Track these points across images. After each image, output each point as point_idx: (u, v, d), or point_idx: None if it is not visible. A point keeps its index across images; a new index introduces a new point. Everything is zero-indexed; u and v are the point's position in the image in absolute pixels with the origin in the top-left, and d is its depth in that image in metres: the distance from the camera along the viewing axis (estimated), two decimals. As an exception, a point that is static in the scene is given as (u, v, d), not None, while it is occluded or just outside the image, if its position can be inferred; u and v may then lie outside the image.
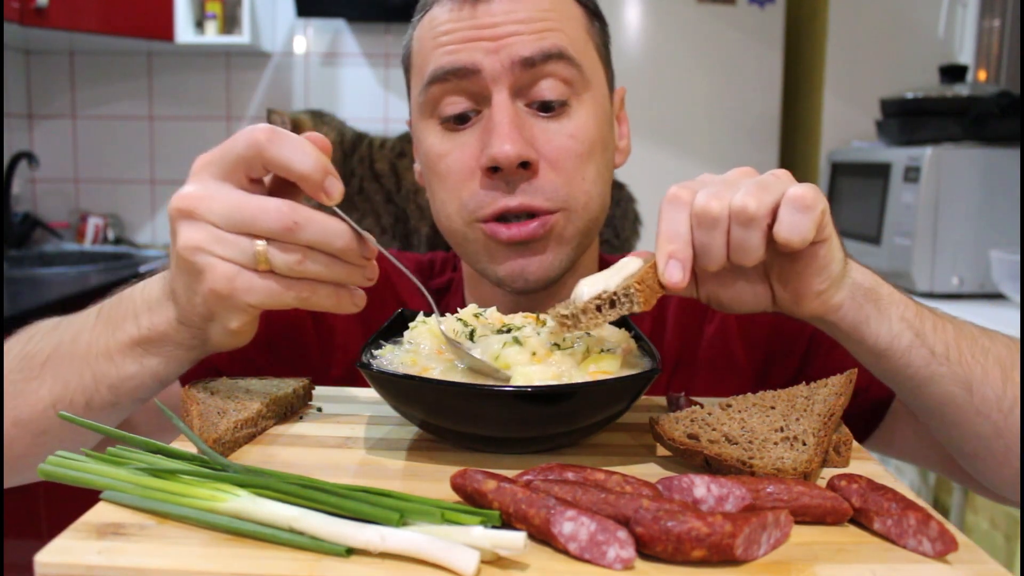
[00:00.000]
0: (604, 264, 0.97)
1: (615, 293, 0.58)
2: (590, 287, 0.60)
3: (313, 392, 0.73)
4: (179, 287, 0.64)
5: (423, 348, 0.66)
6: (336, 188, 0.62)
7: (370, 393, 0.74)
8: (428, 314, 0.71)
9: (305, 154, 0.61)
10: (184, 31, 2.94)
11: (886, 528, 0.49)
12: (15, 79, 3.14)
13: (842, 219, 2.53)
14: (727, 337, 0.93)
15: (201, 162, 0.63)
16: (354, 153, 2.06)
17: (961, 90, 2.22)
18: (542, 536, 0.46)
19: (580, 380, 0.59)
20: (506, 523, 0.47)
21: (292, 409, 0.70)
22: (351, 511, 0.47)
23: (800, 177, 0.62)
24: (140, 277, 0.72)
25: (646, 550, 0.44)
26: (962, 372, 0.67)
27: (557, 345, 0.62)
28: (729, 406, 0.63)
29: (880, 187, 2.30)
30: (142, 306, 0.67)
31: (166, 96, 3.24)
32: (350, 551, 0.45)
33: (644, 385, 0.60)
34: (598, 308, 0.58)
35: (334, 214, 0.62)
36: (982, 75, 2.60)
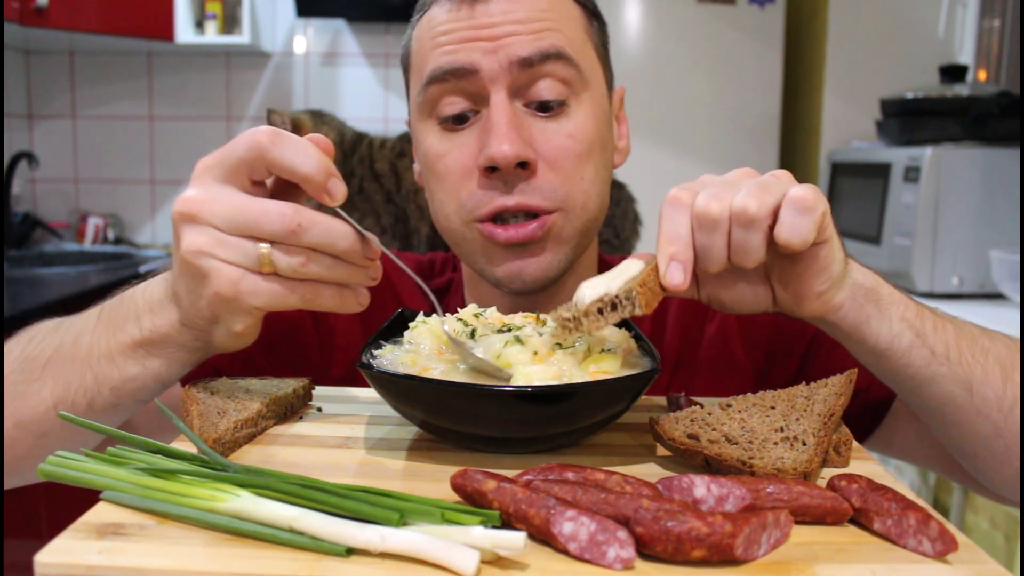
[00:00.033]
0: (603, 264, 0.97)
1: (616, 296, 0.58)
2: (592, 290, 0.60)
3: (313, 392, 0.73)
4: (183, 290, 0.64)
5: (423, 348, 0.66)
6: (339, 189, 0.62)
7: (370, 393, 0.74)
8: (428, 314, 0.71)
9: (308, 156, 0.61)
10: (184, 31, 2.94)
11: (886, 528, 0.49)
12: (15, 79, 3.14)
13: (842, 219, 2.53)
14: (727, 337, 0.93)
15: (203, 165, 0.63)
16: (354, 153, 2.06)
17: (961, 90, 2.22)
18: (542, 536, 0.46)
19: (580, 380, 0.59)
20: (506, 523, 0.47)
21: (292, 409, 0.70)
22: (351, 511, 0.47)
23: (800, 177, 0.62)
24: (141, 277, 0.72)
25: (646, 550, 0.44)
26: (962, 372, 0.67)
27: (559, 344, 0.62)
28: (729, 406, 0.63)
29: (880, 187, 2.30)
30: (144, 308, 0.67)
31: (166, 96, 3.24)
32: (350, 551, 0.45)
33: (644, 385, 0.60)
34: (600, 311, 0.58)
35: (336, 215, 0.62)
36: (982, 75, 2.61)
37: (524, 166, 0.80)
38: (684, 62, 2.73)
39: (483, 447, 0.61)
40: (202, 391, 0.68)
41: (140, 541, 0.47)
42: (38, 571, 0.44)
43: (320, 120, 2.11)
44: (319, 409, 0.71)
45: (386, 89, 3.26)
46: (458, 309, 0.72)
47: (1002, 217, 2.10)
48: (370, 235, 0.63)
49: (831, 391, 0.63)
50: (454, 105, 0.82)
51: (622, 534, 0.44)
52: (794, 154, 3.00)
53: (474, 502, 0.49)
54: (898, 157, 2.23)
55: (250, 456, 0.60)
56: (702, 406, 0.63)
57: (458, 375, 0.62)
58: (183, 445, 0.59)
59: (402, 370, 0.62)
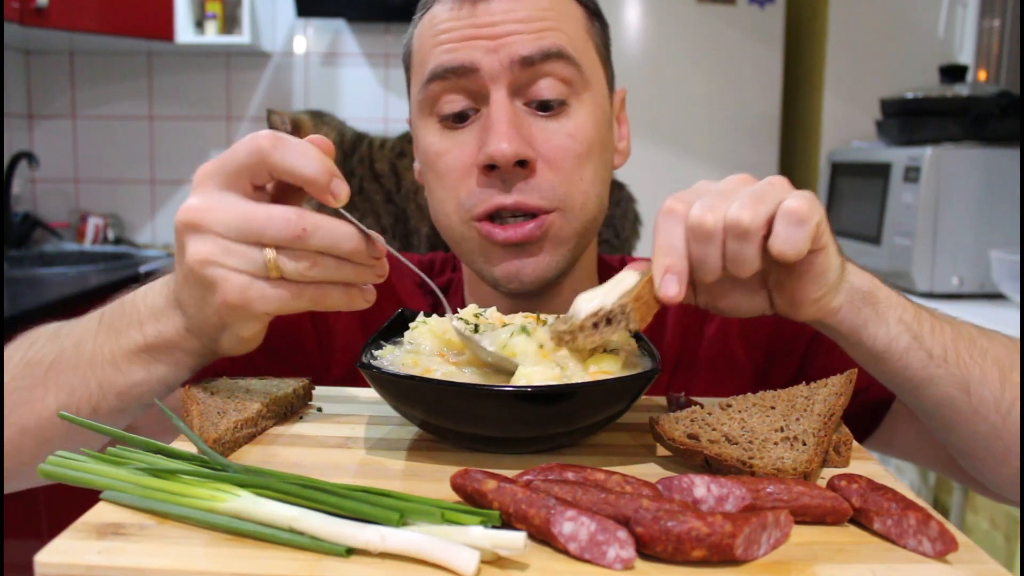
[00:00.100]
0: (603, 265, 0.97)
1: (611, 310, 0.58)
2: (587, 303, 0.60)
3: (313, 392, 0.73)
4: (188, 299, 0.64)
5: (424, 348, 0.66)
6: (342, 190, 0.62)
7: (370, 393, 0.74)
8: (428, 314, 0.71)
9: (310, 158, 0.61)
10: (184, 31, 2.94)
11: (886, 528, 0.49)
12: (15, 79, 3.14)
13: (842, 219, 2.54)
14: (727, 337, 0.93)
15: (204, 172, 0.63)
16: (354, 153, 2.06)
17: (961, 90, 2.22)
18: (542, 536, 0.46)
19: (580, 380, 0.59)
20: (506, 523, 0.47)
21: (292, 409, 0.70)
22: (351, 511, 0.47)
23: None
24: (140, 280, 0.72)
25: (646, 550, 0.44)
26: (960, 374, 0.67)
27: None
28: (729, 406, 0.63)
29: (880, 187, 2.30)
30: (146, 313, 0.67)
31: (166, 96, 3.24)
32: (350, 551, 0.45)
33: (644, 385, 0.60)
34: (595, 325, 0.59)
35: (339, 215, 0.62)
36: (982, 75, 2.60)
37: (523, 165, 0.80)
38: (684, 62, 2.73)
39: (483, 447, 0.61)
40: (202, 391, 0.68)
41: (140, 541, 0.47)
42: (38, 571, 0.44)
43: (320, 120, 2.11)
44: (319, 409, 0.71)
45: (386, 89, 3.26)
46: (458, 309, 0.72)
47: (1002, 217, 2.10)
48: (374, 234, 0.63)
49: (831, 391, 0.63)
50: (454, 103, 0.82)
51: (622, 534, 0.44)
52: (794, 154, 3.00)
53: (474, 502, 0.49)
54: (898, 157, 2.23)
55: (250, 456, 0.60)
56: (702, 406, 0.63)
57: (460, 376, 0.62)
58: (183, 445, 0.59)
59: (403, 370, 0.62)
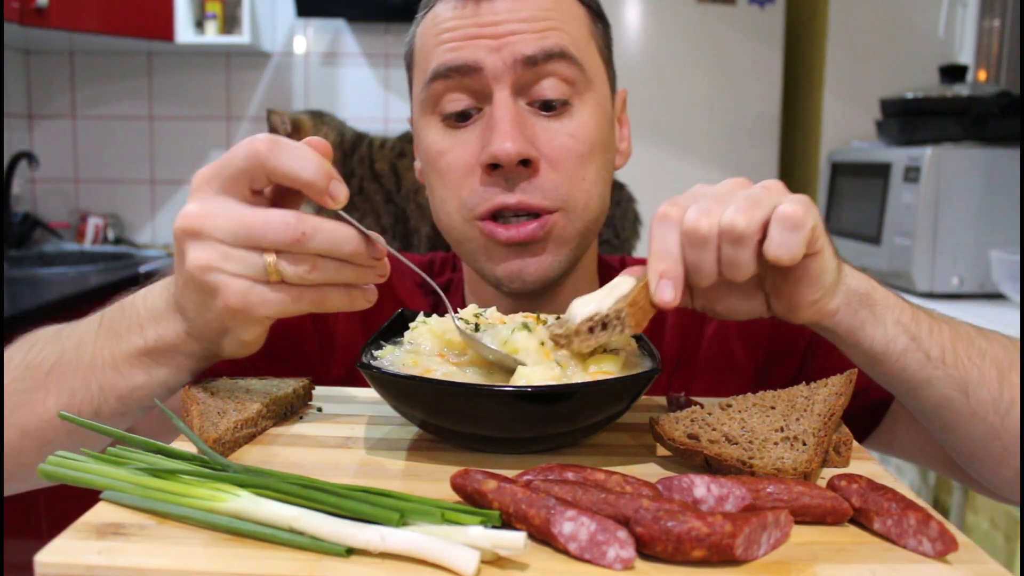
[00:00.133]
0: (603, 266, 0.97)
1: (607, 315, 0.58)
2: (582, 307, 0.60)
3: (313, 392, 0.73)
4: (189, 303, 0.64)
5: (424, 348, 0.66)
6: (341, 192, 0.62)
7: (370, 393, 0.74)
8: (428, 314, 0.71)
9: (308, 161, 0.61)
10: (184, 31, 2.94)
11: (886, 528, 0.49)
12: (15, 79, 3.14)
13: (842, 219, 2.54)
14: (727, 337, 0.93)
15: (201, 178, 0.63)
16: (354, 153, 2.06)
17: (961, 90, 2.22)
18: (542, 536, 0.46)
19: (580, 380, 0.59)
20: (506, 523, 0.47)
21: (292, 409, 0.70)
22: (351, 511, 0.47)
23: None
24: (141, 281, 0.72)
25: (646, 550, 0.45)
26: (958, 375, 0.67)
27: None
28: (729, 406, 0.63)
29: (880, 187, 2.30)
30: (147, 317, 0.67)
31: (166, 96, 3.24)
32: (350, 551, 0.45)
33: (644, 385, 0.60)
34: (590, 330, 0.59)
35: (338, 217, 0.62)
36: (982, 75, 2.61)
37: (526, 164, 0.80)
38: (684, 62, 2.73)
39: (483, 447, 0.61)
40: (202, 391, 0.68)
41: (140, 541, 0.47)
42: (38, 571, 0.44)
43: (320, 120, 2.11)
44: (319, 409, 0.71)
45: (386, 89, 3.26)
46: (458, 310, 0.72)
47: (1002, 217, 2.10)
48: (374, 235, 0.63)
49: (831, 391, 0.63)
50: (457, 102, 0.82)
51: (622, 534, 0.44)
52: (794, 154, 3.00)
53: (474, 502, 0.49)
54: (898, 157, 2.23)
55: (250, 456, 0.60)
56: (702, 406, 0.63)
57: (460, 376, 0.62)
58: (183, 445, 0.59)
59: (403, 370, 0.62)
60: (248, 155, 0.61)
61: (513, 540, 0.43)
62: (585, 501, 0.47)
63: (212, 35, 3.00)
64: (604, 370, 0.60)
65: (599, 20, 0.88)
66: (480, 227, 0.82)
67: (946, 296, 2.11)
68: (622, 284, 0.62)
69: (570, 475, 0.52)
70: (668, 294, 0.58)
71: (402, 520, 0.46)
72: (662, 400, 0.74)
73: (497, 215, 0.81)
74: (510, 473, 0.52)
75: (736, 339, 0.93)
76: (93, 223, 3.14)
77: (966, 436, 0.69)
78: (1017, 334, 0.76)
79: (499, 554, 0.44)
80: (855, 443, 0.63)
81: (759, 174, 0.64)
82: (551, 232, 0.82)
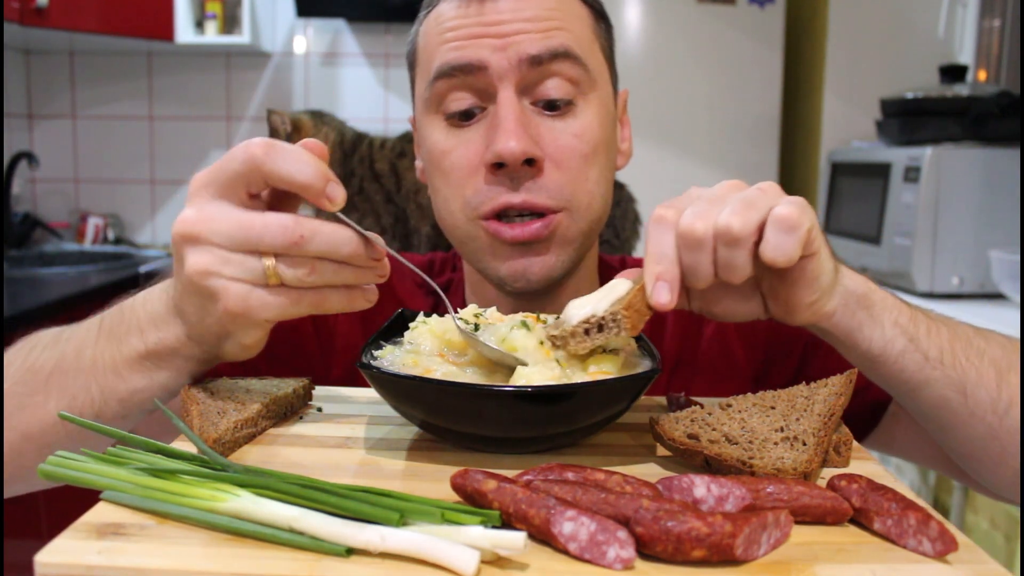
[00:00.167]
0: (603, 266, 0.97)
1: (603, 318, 0.58)
2: (579, 309, 0.60)
3: (313, 392, 0.73)
4: (189, 308, 0.64)
5: (423, 348, 0.66)
6: (339, 194, 0.62)
7: (370, 393, 0.74)
8: (428, 314, 0.71)
9: (304, 163, 0.60)
10: (184, 31, 2.94)
11: (886, 528, 0.49)
12: (15, 79, 3.14)
13: (842, 219, 2.54)
14: (726, 338, 0.93)
15: (198, 183, 0.63)
16: (354, 153, 2.06)
17: (961, 90, 2.22)
18: (542, 536, 0.46)
19: (580, 380, 0.59)
20: (506, 523, 0.47)
21: (292, 409, 0.70)
22: (351, 511, 0.47)
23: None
24: (141, 282, 0.72)
25: (646, 550, 0.45)
26: (956, 376, 0.67)
27: None
28: (729, 406, 0.63)
29: (880, 187, 2.30)
30: (146, 321, 0.67)
31: (166, 96, 3.24)
32: (350, 551, 0.45)
33: (644, 385, 0.60)
34: (586, 332, 0.59)
35: (337, 219, 0.62)
36: (982, 75, 2.61)
37: (531, 163, 0.80)
38: (684, 62, 2.73)
39: (483, 447, 0.61)
40: (202, 391, 0.68)
41: (140, 541, 0.47)
42: (38, 571, 0.44)
43: (320, 120, 2.11)
44: (319, 409, 0.71)
45: (386, 89, 3.26)
46: (457, 310, 0.72)
47: (1002, 217, 2.10)
48: (373, 236, 0.63)
49: (831, 391, 0.63)
50: (461, 101, 0.82)
51: (622, 534, 0.44)
52: (794, 154, 3.01)
53: (474, 502, 0.49)
54: (898, 157, 2.23)
55: (250, 456, 0.60)
56: (702, 406, 0.63)
57: (460, 375, 0.62)
58: (183, 445, 0.59)
59: (403, 370, 0.62)
60: (244, 159, 0.60)
61: (513, 540, 0.43)
62: (585, 501, 0.47)
63: (212, 35, 3.00)
64: (604, 370, 0.60)
65: (602, 20, 0.88)
66: (484, 226, 0.82)
67: (946, 296, 2.11)
68: (619, 286, 0.62)
69: (570, 475, 0.52)
70: (664, 296, 0.58)
71: (402, 520, 0.46)
72: (662, 400, 0.74)
73: (501, 214, 0.81)
74: (510, 473, 0.52)
75: (735, 340, 0.93)
76: (93, 223, 3.14)
77: (964, 436, 0.69)
78: (1017, 334, 0.76)
79: (499, 554, 0.44)
80: (855, 443, 0.63)
81: (759, 174, 0.64)
82: (555, 232, 0.82)
